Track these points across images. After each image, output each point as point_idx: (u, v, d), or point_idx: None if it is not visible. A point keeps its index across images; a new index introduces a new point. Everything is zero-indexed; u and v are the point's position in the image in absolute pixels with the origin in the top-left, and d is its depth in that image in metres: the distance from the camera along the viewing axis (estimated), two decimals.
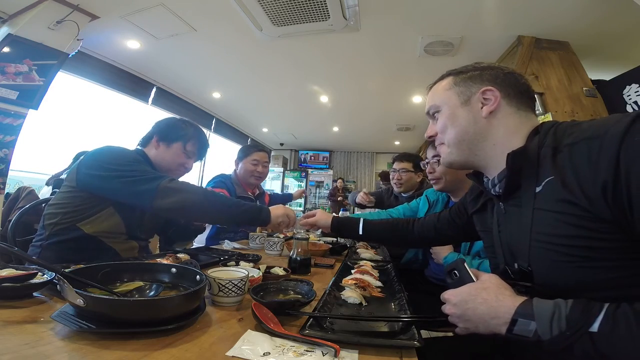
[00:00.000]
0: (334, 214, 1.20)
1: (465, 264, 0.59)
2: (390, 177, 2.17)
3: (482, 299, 0.52)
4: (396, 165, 2.11)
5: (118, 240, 1.14)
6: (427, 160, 1.44)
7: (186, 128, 1.27)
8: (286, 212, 1.13)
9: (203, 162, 5.82)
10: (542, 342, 0.45)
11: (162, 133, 1.25)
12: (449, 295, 0.57)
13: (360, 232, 1.13)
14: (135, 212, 1.16)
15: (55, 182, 1.88)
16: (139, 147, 1.28)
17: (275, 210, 1.11)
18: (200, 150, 1.31)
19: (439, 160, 1.37)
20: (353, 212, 5.66)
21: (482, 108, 0.65)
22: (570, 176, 0.50)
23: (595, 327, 0.43)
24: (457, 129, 0.67)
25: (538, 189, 0.56)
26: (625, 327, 0.42)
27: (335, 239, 1.78)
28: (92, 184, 1.05)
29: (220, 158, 6.19)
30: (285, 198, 2.72)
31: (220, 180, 1.96)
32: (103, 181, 1.02)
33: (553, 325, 0.45)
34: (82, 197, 1.06)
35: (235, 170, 2.08)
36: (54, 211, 1.07)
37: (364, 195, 2.37)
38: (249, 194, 2.04)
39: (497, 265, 0.70)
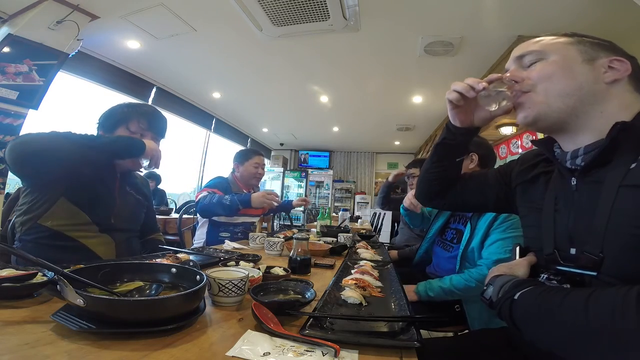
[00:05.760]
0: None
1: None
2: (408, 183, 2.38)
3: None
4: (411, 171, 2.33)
5: (88, 234, 1.08)
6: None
7: (123, 110, 1.18)
8: (158, 147, 1.15)
9: (203, 162, 5.82)
10: (492, 303, 0.58)
11: (103, 125, 1.18)
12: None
13: None
14: (87, 195, 1.08)
15: None
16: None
17: (150, 144, 1.11)
18: (151, 124, 1.19)
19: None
20: (352, 215, 5.60)
21: (605, 73, 0.59)
22: None
23: (516, 296, 0.53)
24: (571, 81, 0.60)
25: (634, 165, 0.50)
26: (528, 301, 0.51)
27: (335, 239, 1.77)
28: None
29: (220, 158, 6.20)
30: (284, 205, 2.68)
31: (217, 182, 2.01)
32: None
33: (500, 292, 0.56)
34: (32, 192, 1.05)
35: (233, 172, 2.15)
36: (17, 213, 1.08)
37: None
38: (245, 192, 2.09)
39: (540, 247, 0.64)
